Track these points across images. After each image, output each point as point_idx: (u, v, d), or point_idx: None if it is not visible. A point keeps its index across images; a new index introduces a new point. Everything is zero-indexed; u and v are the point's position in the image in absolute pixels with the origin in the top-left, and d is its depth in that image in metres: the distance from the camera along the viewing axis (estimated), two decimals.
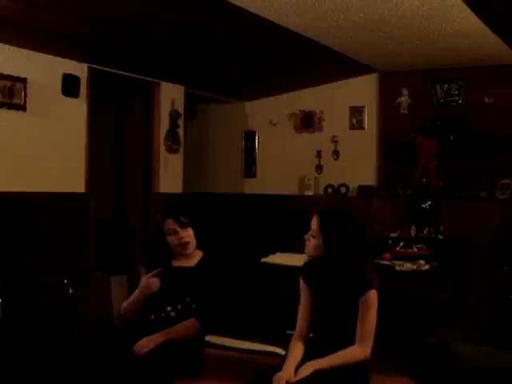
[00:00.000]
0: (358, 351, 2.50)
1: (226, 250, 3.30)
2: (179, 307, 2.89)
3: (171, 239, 3.03)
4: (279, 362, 2.57)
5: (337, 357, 2.47)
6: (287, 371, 2.46)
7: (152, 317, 2.88)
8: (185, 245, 3.03)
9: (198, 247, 3.11)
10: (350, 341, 2.51)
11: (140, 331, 2.81)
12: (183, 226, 3.02)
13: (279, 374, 2.44)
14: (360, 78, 6.92)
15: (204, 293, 2.93)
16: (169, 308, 2.89)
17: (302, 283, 2.73)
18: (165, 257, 3.08)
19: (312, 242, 2.66)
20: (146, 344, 2.71)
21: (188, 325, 2.86)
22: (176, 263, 3.07)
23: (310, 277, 2.72)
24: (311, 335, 2.67)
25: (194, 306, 2.90)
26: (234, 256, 3.66)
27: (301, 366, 2.46)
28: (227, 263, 3.14)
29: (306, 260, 2.78)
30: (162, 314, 2.88)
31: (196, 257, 3.09)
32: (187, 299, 2.91)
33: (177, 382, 2.67)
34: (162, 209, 6.18)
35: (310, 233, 2.67)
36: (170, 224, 3.03)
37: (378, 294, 2.54)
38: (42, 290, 4.48)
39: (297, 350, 2.60)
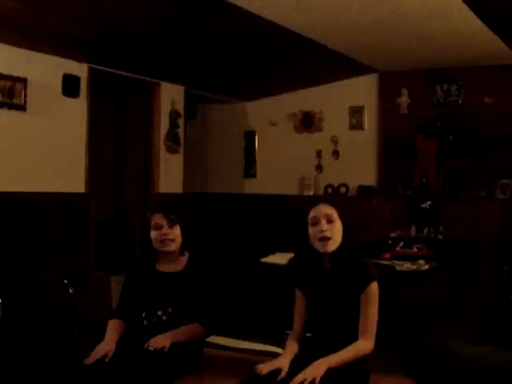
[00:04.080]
0: (365, 345, 2.48)
1: (216, 250, 3.23)
2: (170, 310, 2.87)
3: (155, 234, 2.89)
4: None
5: (347, 352, 2.44)
6: (281, 361, 2.46)
7: (145, 322, 2.87)
8: (165, 242, 2.87)
9: (188, 248, 3.00)
10: (349, 337, 2.49)
11: (134, 337, 2.81)
12: (171, 221, 2.89)
13: (273, 362, 2.44)
14: (360, 77, 6.91)
15: (200, 297, 2.90)
16: (160, 312, 2.87)
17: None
18: (148, 260, 2.99)
19: (336, 226, 2.55)
20: (162, 341, 2.68)
21: (193, 328, 2.86)
22: (161, 268, 2.97)
23: (301, 280, 2.69)
24: (309, 335, 2.66)
25: (184, 308, 2.88)
26: (222, 256, 3.64)
27: (299, 363, 2.45)
28: (215, 264, 3.08)
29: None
30: (154, 319, 2.86)
31: (182, 261, 2.98)
32: (176, 303, 2.89)
33: (177, 381, 2.67)
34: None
35: (324, 220, 2.55)
36: (158, 218, 2.90)
37: (378, 284, 2.53)
38: (41, 290, 4.47)
39: (293, 345, 2.60)
